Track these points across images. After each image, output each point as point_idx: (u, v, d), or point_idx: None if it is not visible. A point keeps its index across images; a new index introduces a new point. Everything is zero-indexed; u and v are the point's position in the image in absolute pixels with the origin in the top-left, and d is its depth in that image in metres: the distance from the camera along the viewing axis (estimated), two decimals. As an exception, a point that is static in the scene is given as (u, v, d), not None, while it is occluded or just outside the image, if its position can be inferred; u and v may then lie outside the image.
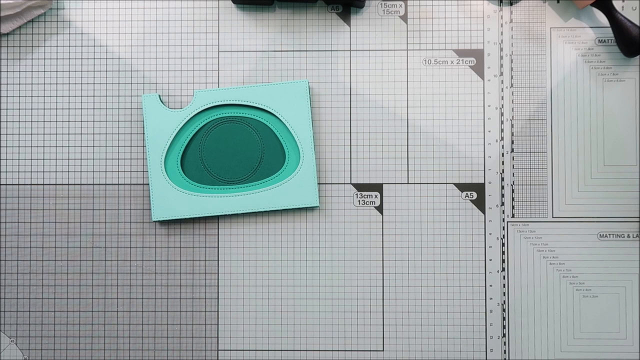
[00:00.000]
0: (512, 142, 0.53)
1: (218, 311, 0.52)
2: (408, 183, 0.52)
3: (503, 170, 0.53)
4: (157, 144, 0.51)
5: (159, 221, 0.52)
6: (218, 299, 0.52)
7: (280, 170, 0.52)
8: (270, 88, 0.51)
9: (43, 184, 0.53)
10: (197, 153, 0.52)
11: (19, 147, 0.53)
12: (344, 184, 0.53)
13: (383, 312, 0.52)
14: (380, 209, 0.52)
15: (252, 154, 0.52)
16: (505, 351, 0.52)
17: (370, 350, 0.52)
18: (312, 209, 0.52)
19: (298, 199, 0.51)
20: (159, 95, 0.52)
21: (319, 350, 0.52)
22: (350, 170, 0.53)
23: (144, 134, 0.53)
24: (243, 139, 0.52)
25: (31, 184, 0.53)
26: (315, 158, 0.52)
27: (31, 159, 0.53)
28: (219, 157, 0.52)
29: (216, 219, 0.53)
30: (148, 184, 0.53)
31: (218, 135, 0.52)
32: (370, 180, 0.53)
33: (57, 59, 0.53)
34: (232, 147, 0.52)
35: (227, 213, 0.51)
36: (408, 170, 0.53)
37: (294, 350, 0.52)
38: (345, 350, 0.52)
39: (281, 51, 0.53)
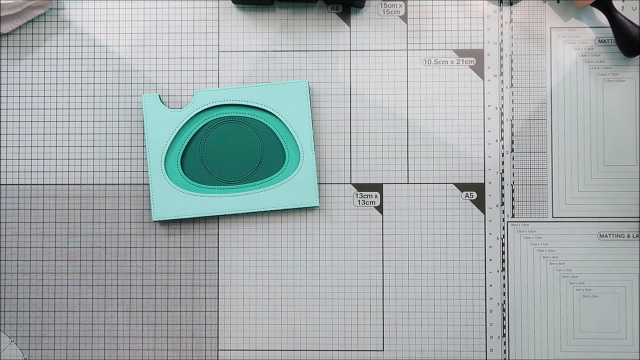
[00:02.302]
0: (512, 142, 0.53)
1: (218, 311, 0.52)
2: (408, 183, 0.52)
3: (503, 170, 0.53)
4: (157, 144, 0.51)
5: (159, 221, 0.52)
6: (218, 299, 0.52)
7: (280, 170, 0.52)
8: (270, 88, 0.51)
9: (43, 184, 0.53)
10: (197, 153, 0.52)
11: (19, 147, 0.53)
12: (344, 184, 0.53)
13: (383, 312, 0.52)
14: (380, 209, 0.52)
15: (252, 154, 0.52)
16: (505, 351, 0.52)
17: (370, 350, 0.52)
18: (312, 208, 0.52)
19: (298, 199, 0.51)
20: (159, 95, 0.52)
21: (319, 350, 0.52)
22: (350, 170, 0.53)
23: (144, 134, 0.53)
24: (243, 139, 0.52)
25: (31, 184, 0.53)
26: (316, 158, 0.52)
27: (31, 159, 0.53)
28: (219, 157, 0.52)
29: (216, 219, 0.53)
30: (148, 184, 0.53)
31: (218, 135, 0.52)
32: (370, 180, 0.53)
33: (57, 59, 0.53)
34: (232, 147, 0.52)
35: (227, 213, 0.51)
36: (408, 170, 0.53)
37: (294, 350, 0.52)
38: (345, 350, 0.52)
39: (281, 51, 0.53)
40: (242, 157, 0.52)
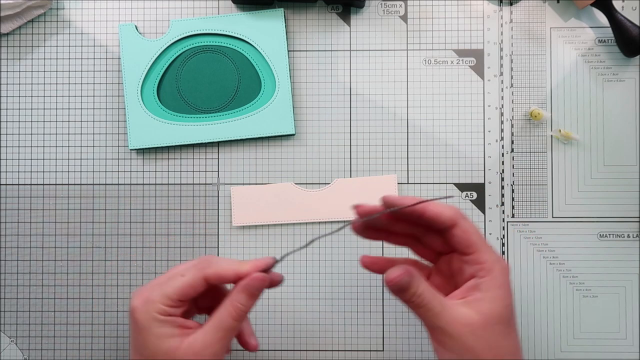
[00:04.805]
0: (512, 142, 0.53)
1: (218, 311, 0.52)
2: (408, 183, 0.52)
3: (503, 170, 0.53)
4: (134, 73, 0.52)
5: (135, 149, 0.52)
6: (218, 299, 0.52)
7: (256, 98, 0.52)
8: (246, 16, 0.52)
9: (43, 184, 0.53)
10: (174, 82, 0.52)
11: (19, 147, 0.53)
12: (344, 184, 0.53)
13: (383, 312, 0.52)
14: (380, 209, 0.52)
15: (229, 83, 0.52)
16: (505, 351, 0.52)
17: (370, 350, 0.52)
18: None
19: (274, 127, 0.52)
20: (136, 26, 0.52)
21: (319, 350, 0.52)
22: (350, 171, 0.53)
23: (119, 64, 0.52)
24: (219, 68, 0.52)
25: (31, 184, 0.53)
26: (291, 86, 0.52)
27: (31, 159, 0.53)
28: (195, 86, 0.52)
29: (216, 219, 0.53)
30: (149, 184, 0.53)
31: (194, 65, 0.52)
32: (370, 180, 0.53)
33: (57, 59, 0.53)
34: (209, 76, 0.52)
35: (204, 141, 0.52)
36: (408, 170, 0.53)
37: (294, 350, 0.52)
38: (345, 350, 0.52)
39: (281, 51, 0.53)
40: (218, 86, 0.52)
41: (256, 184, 0.53)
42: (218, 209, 0.53)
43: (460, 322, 0.36)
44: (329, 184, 0.52)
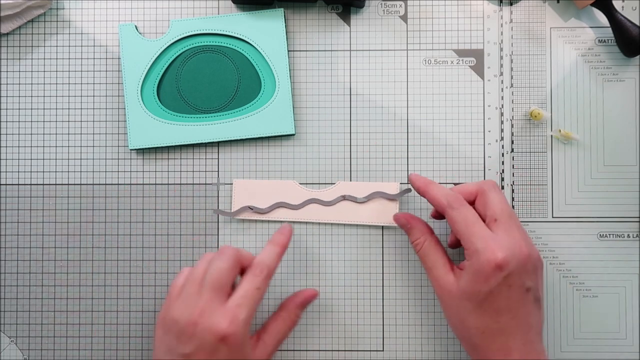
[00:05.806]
0: (512, 142, 0.53)
1: (218, 311, 0.52)
2: (408, 183, 0.52)
3: (503, 170, 0.53)
4: (133, 73, 0.52)
5: (135, 149, 0.52)
6: (218, 299, 0.52)
7: (256, 98, 0.52)
8: (246, 16, 0.52)
9: (43, 184, 0.53)
10: (174, 82, 0.52)
11: (19, 147, 0.53)
12: (344, 184, 0.53)
13: (383, 312, 0.52)
14: (380, 209, 0.52)
15: (229, 83, 0.52)
16: (505, 351, 0.52)
17: (370, 350, 0.52)
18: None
19: (274, 127, 0.52)
20: (136, 26, 0.52)
21: (319, 350, 0.52)
22: (351, 170, 0.53)
23: (119, 64, 0.53)
24: (219, 68, 0.52)
25: (31, 184, 0.53)
26: (291, 86, 0.52)
27: (31, 159, 0.53)
28: (195, 86, 0.52)
29: (216, 219, 0.53)
30: (149, 184, 0.53)
31: (194, 65, 0.52)
32: (370, 180, 0.53)
33: (57, 59, 0.53)
34: (209, 76, 0.52)
35: (204, 141, 0.52)
36: (408, 170, 0.53)
37: (294, 350, 0.52)
38: (345, 350, 0.52)
39: (281, 51, 0.53)
40: (218, 86, 0.52)
41: (256, 184, 0.53)
42: (218, 209, 0.53)
43: (441, 285, 0.44)
44: (329, 184, 0.52)
